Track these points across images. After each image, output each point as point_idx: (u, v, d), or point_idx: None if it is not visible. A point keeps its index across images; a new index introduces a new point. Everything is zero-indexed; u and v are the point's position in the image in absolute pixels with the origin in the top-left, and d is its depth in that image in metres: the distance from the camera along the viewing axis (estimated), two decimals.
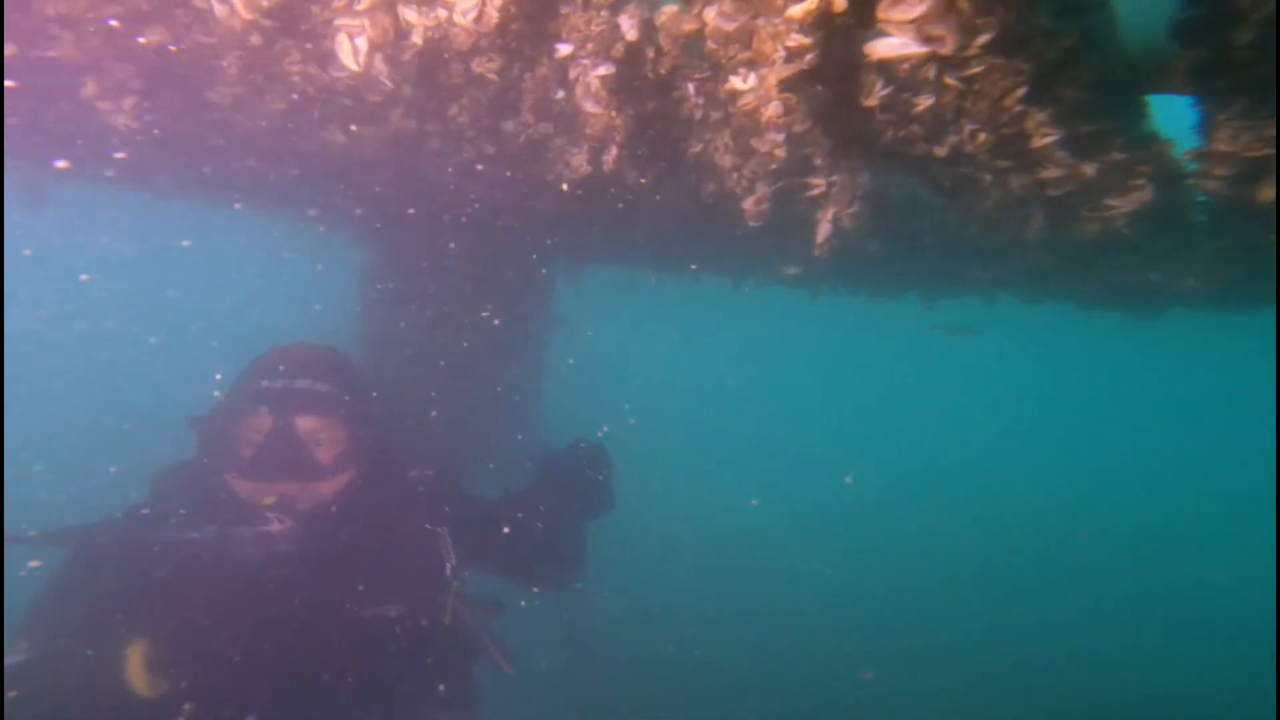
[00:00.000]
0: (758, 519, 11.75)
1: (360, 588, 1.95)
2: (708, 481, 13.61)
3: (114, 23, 1.77)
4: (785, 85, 1.49)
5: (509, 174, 3.25)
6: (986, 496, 15.88)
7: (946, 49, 1.30)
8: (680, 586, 8.11)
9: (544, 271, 5.14)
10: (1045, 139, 1.59)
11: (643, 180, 2.78)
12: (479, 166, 3.37)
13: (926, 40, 1.30)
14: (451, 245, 4.64)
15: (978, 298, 4.73)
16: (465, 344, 4.56)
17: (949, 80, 1.44)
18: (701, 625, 7.27)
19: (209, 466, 1.94)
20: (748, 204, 2.09)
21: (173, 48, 2.12)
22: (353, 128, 2.72)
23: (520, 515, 2.18)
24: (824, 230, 1.81)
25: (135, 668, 1.65)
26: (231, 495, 1.87)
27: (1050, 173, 1.76)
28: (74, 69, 1.96)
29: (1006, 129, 1.59)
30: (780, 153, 1.76)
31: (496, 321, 4.69)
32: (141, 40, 1.94)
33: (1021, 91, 1.43)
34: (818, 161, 1.73)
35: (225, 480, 1.89)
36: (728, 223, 2.87)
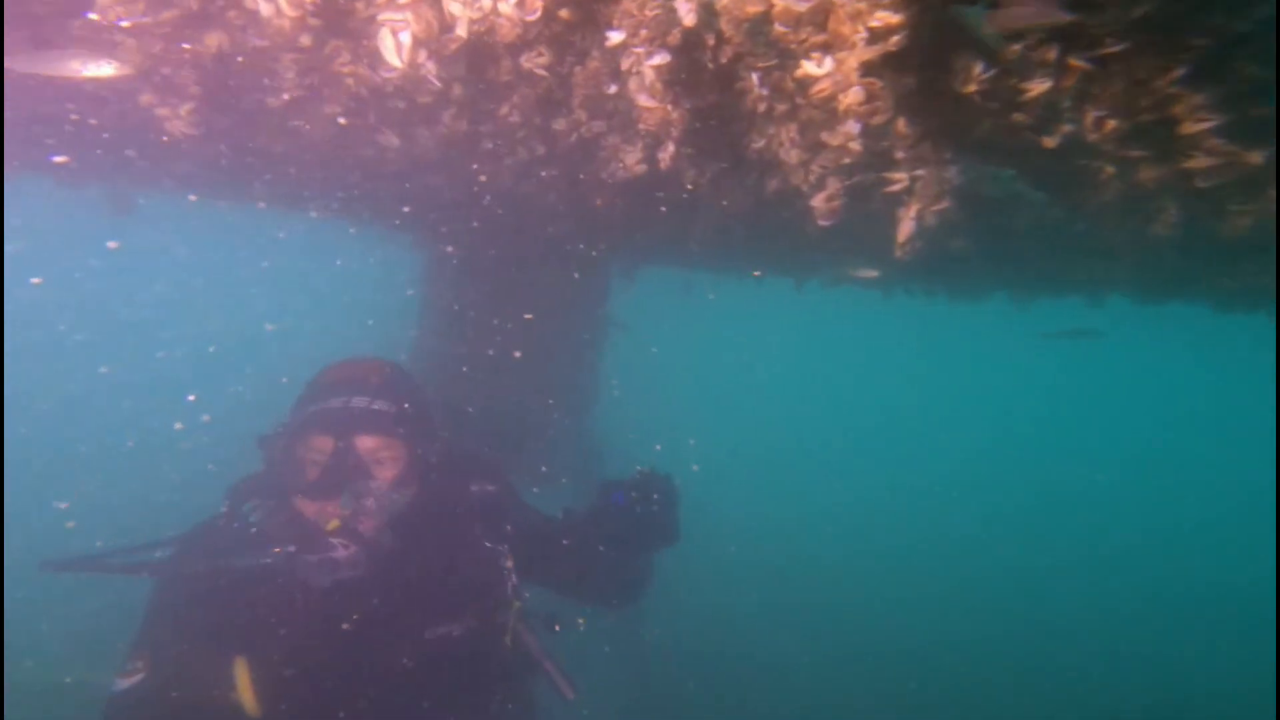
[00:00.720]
0: (814, 522, 11.74)
1: (424, 607, 1.94)
2: (763, 484, 13.45)
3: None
4: (868, 69, 1.32)
5: (561, 174, 3.16)
6: (1042, 496, 15.75)
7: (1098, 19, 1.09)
8: (737, 591, 7.96)
9: (598, 274, 5.06)
10: (1200, 125, 1.36)
11: (700, 179, 2.64)
12: (532, 168, 3.31)
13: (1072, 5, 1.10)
14: (505, 249, 4.62)
15: (1081, 298, 4.32)
16: (518, 350, 4.52)
17: (1075, 62, 1.24)
18: (762, 636, 7.22)
19: (277, 486, 1.95)
20: (817, 201, 1.92)
21: (239, 58, 2.12)
22: (388, 138, 2.67)
23: (581, 536, 2.12)
24: (906, 229, 1.63)
25: (244, 687, 1.70)
26: (297, 516, 1.88)
27: (1200, 162, 1.52)
28: (133, 76, 1.96)
29: (1147, 115, 1.37)
30: (855, 145, 1.59)
31: (547, 326, 4.63)
32: (186, 47, 1.93)
33: (1179, 72, 1.22)
34: (900, 154, 1.56)
35: (292, 500, 1.89)
36: (792, 222, 2.70)
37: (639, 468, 2.16)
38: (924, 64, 1.35)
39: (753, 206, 2.68)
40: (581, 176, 3.26)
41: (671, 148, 1.98)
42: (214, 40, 2.04)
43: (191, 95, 2.19)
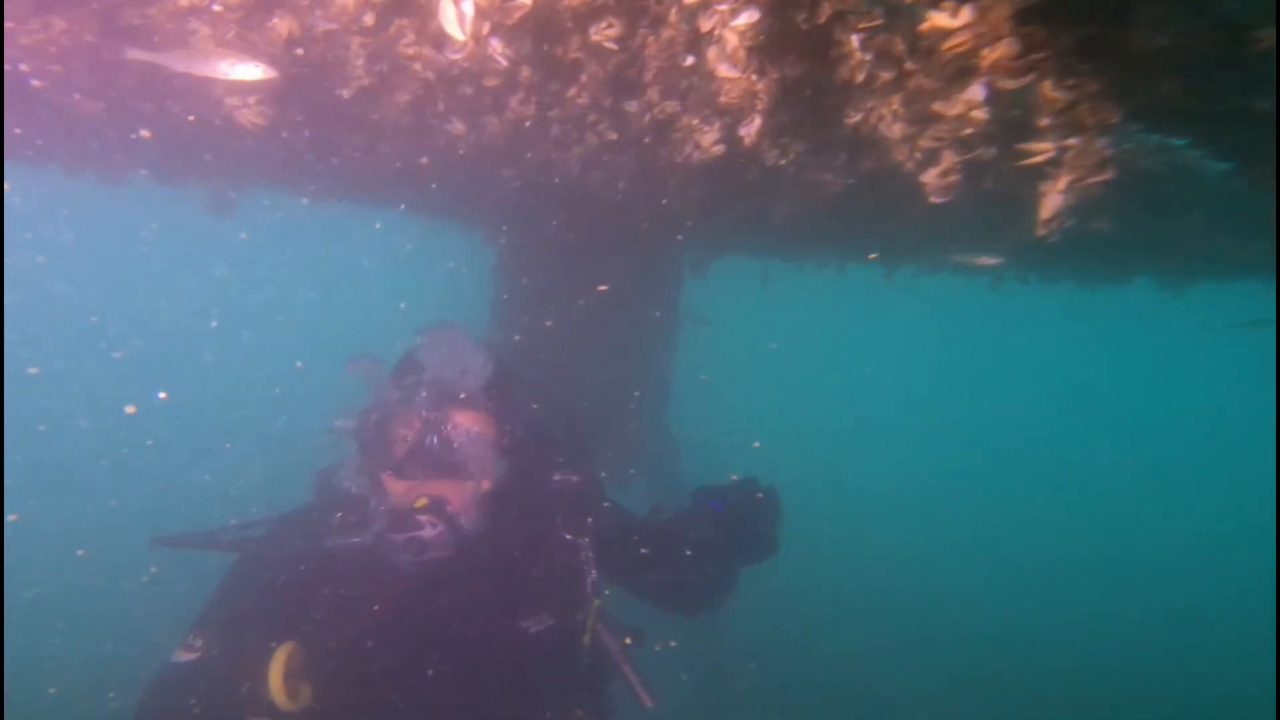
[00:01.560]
0: (884, 510, 11.57)
1: (502, 599, 1.88)
2: (837, 474, 13.10)
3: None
4: (1025, 16, 1.08)
5: (633, 158, 3.01)
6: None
7: None
8: (818, 596, 7.69)
9: (671, 264, 4.89)
10: None
11: (783, 159, 2.41)
12: (602, 154, 3.18)
13: None
14: (575, 241, 4.52)
15: (1255, 281, 3.73)
16: (591, 342, 4.43)
17: None
18: (834, 624, 7.07)
19: (365, 466, 1.91)
20: (929, 177, 1.68)
21: (300, 50, 2.09)
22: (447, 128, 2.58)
23: (667, 538, 1.99)
24: (1052, 205, 1.37)
25: (275, 675, 1.63)
26: (386, 496, 1.84)
27: None
28: (274, 80, 1.93)
29: None
30: (979, 114, 1.35)
31: (621, 319, 4.51)
32: (273, 24, 1.88)
33: None
34: (1045, 121, 1.30)
35: (380, 480, 1.85)
36: (889, 203, 2.43)
37: (745, 477, 2.00)
38: (1094, 13, 1.09)
39: (841, 188, 2.44)
40: (654, 161, 3.10)
41: (757, 121, 1.78)
42: (284, 26, 2.00)
43: (260, 85, 2.16)
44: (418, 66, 2.33)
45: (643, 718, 1.87)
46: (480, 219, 5.46)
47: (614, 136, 2.95)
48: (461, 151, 3.20)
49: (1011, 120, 1.38)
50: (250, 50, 2.11)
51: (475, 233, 5.94)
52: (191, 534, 1.90)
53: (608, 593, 1.95)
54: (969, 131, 1.46)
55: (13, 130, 2.95)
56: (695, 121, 2.49)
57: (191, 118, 2.60)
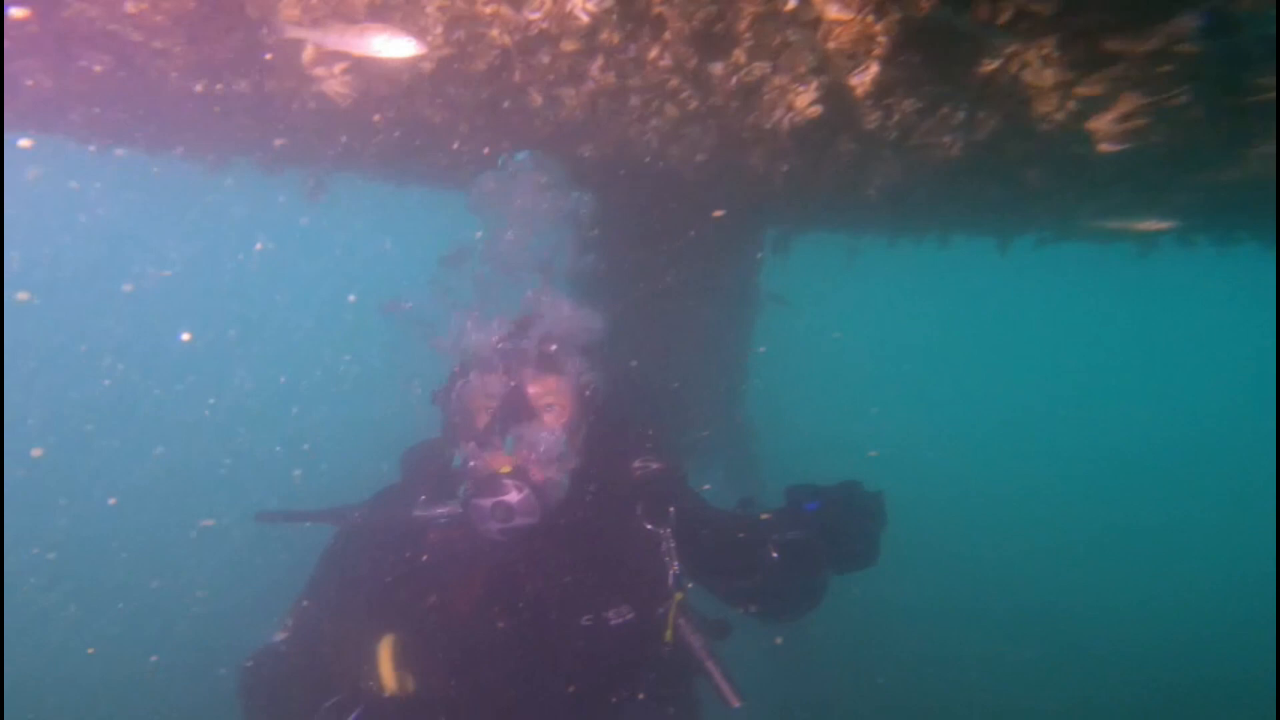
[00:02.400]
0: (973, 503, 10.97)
1: (581, 588, 1.83)
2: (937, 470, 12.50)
3: None
4: None
5: (715, 126, 2.85)
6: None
7: None
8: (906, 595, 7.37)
9: (750, 242, 4.69)
10: None
11: (889, 120, 2.19)
12: (681, 127, 3.03)
13: None
14: (650, 218, 4.40)
15: None
16: (666, 327, 4.31)
17: None
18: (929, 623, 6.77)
19: (449, 438, 1.90)
20: (1102, 122, 1.44)
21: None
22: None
23: (753, 536, 1.87)
24: None
25: (385, 665, 1.67)
26: (469, 466, 1.82)
27: None
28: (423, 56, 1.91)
29: None
30: (1188, 48, 1.11)
31: (697, 302, 4.37)
32: None
33: None
34: None
35: (464, 451, 1.84)
36: (1018, 165, 2.16)
37: (848, 481, 1.85)
38: None
39: (960, 151, 2.19)
40: (737, 131, 2.93)
41: (873, 69, 1.58)
42: None
43: (346, 53, 2.14)
44: (495, 32, 2.26)
45: (729, 717, 1.76)
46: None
47: (695, 105, 2.80)
48: (537, 124, 3.13)
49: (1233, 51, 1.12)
50: (333, 10, 2.09)
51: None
52: (292, 510, 1.94)
53: (690, 586, 1.85)
54: (1165, 69, 1.22)
55: (110, 118, 3.10)
56: (787, 81, 2.31)
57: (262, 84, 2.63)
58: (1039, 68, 1.41)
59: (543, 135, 3.34)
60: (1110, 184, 2.38)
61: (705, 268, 4.29)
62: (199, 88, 2.65)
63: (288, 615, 1.82)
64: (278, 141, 3.46)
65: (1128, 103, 1.38)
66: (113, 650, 6.47)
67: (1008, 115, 1.97)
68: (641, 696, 1.84)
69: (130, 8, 1.99)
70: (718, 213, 3.46)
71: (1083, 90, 1.45)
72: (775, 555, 1.79)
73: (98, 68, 2.46)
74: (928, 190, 2.84)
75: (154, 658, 6.18)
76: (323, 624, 1.76)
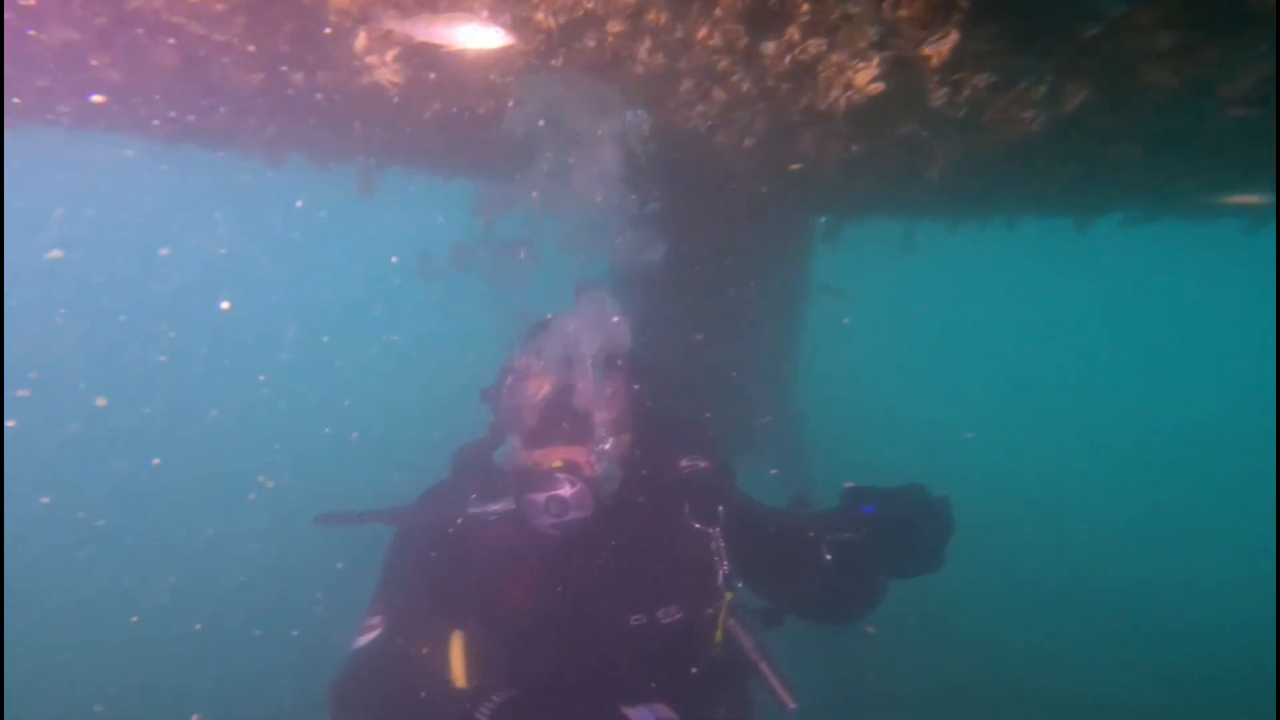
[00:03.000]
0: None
1: (630, 587, 1.81)
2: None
3: None
4: None
5: (766, 109, 2.74)
6: None
7: None
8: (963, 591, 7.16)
9: (800, 230, 4.55)
10: None
11: (957, 96, 2.06)
12: (730, 110, 2.94)
13: None
14: (698, 208, 4.31)
15: None
16: (721, 314, 4.22)
17: None
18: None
19: (499, 438, 1.91)
20: (1233, 91, 1.29)
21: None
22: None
23: (805, 537, 1.80)
24: None
25: (457, 662, 1.70)
26: (519, 465, 1.83)
27: None
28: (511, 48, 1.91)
29: None
30: None
31: (746, 293, 4.27)
32: None
33: None
34: None
35: (513, 450, 1.84)
36: (1103, 140, 2.00)
37: (915, 484, 1.76)
38: None
39: (1039, 128, 2.04)
40: (789, 114, 2.82)
41: (953, 37, 1.47)
42: None
43: (398, 39, 2.13)
44: (540, 15, 2.22)
45: (783, 717, 1.72)
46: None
47: (746, 88, 2.70)
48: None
49: None
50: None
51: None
52: (349, 512, 1.98)
53: (740, 586, 1.82)
54: None
55: (169, 113, 3.19)
56: (845, 58, 2.20)
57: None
58: (1154, 30, 1.27)
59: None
60: (1218, 155, 2.18)
61: (756, 255, 4.19)
62: (258, 78, 2.70)
63: (366, 618, 1.83)
64: (325, 134, 3.51)
65: (1262, 68, 1.22)
66: (157, 619, 6.75)
67: (1101, 86, 1.82)
68: (691, 697, 1.79)
69: None
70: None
71: (1206, 55, 1.29)
72: (829, 557, 1.72)
73: (164, 61, 2.53)
74: (997, 171, 2.67)
75: (197, 626, 6.42)
76: (408, 626, 1.77)
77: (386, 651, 1.74)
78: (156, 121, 3.34)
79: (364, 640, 1.78)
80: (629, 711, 1.56)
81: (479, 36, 1.83)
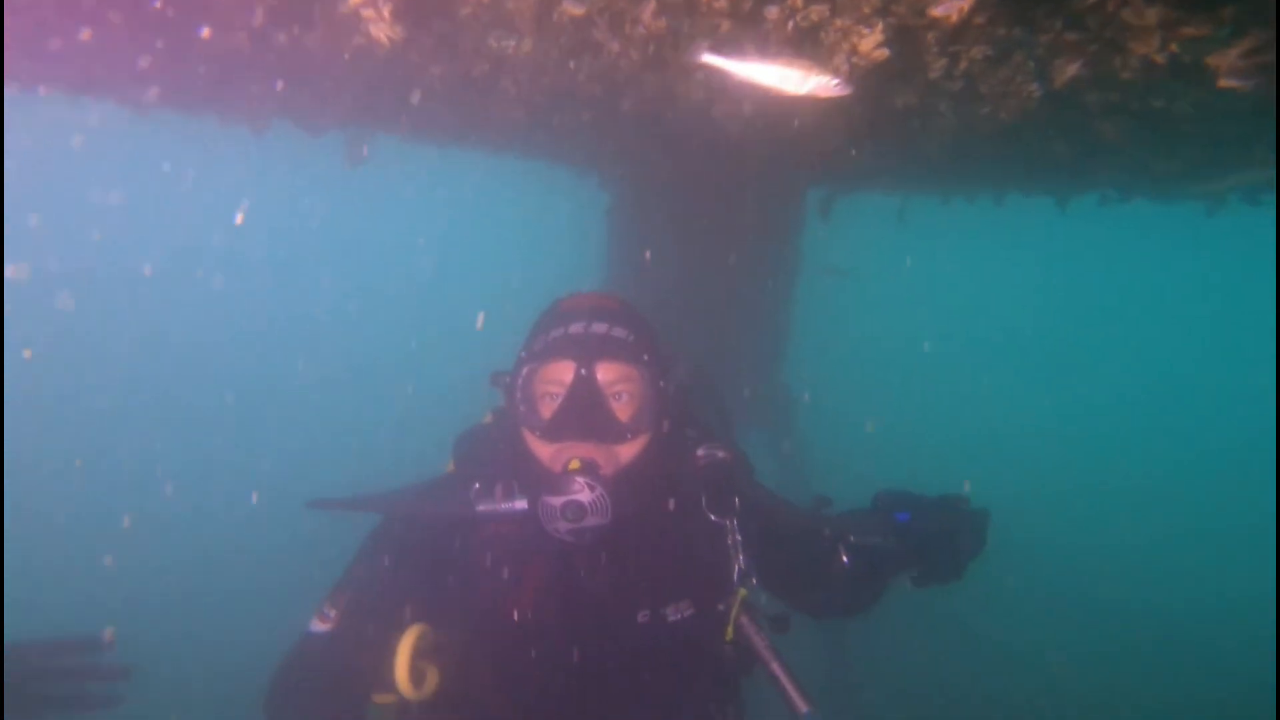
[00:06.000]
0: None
1: (641, 584, 1.72)
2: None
3: None
4: None
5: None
6: None
7: None
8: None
9: (793, 206, 4.55)
10: None
11: (956, 69, 2.06)
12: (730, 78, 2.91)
13: None
14: (692, 184, 4.28)
15: None
16: (708, 298, 4.22)
17: None
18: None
19: (510, 427, 1.78)
20: (1226, 59, 1.31)
21: None
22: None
23: (823, 536, 1.76)
24: None
25: (402, 658, 1.54)
26: (532, 458, 1.71)
27: None
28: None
29: None
30: None
31: (739, 269, 4.27)
32: None
33: None
34: None
35: (525, 442, 1.72)
36: (1092, 114, 2.02)
37: (955, 495, 1.72)
38: None
39: (1035, 103, 2.05)
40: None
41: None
42: None
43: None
44: None
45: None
46: (595, 162, 5.32)
47: (750, 53, 2.68)
48: (582, 77, 3.04)
49: None
50: None
51: (589, 178, 5.82)
52: (344, 498, 1.83)
53: (755, 581, 1.75)
54: None
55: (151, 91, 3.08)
56: (850, 23, 2.18)
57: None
58: (1143, 5, 1.28)
59: (586, 91, 3.25)
60: (1197, 136, 2.20)
61: (743, 225, 4.18)
62: (243, 38, 2.61)
63: (325, 605, 1.72)
64: (305, 96, 3.42)
65: (1255, 35, 1.24)
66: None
67: (1089, 62, 1.83)
68: (698, 698, 1.76)
69: None
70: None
71: (1188, 30, 1.31)
72: (846, 560, 1.69)
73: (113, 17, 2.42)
74: (990, 145, 2.68)
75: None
76: (358, 617, 1.67)
77: (337, 644, 1.64)
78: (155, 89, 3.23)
79: (318, 627, 1.68)
80: None
81: (811, 83, 1.75)
